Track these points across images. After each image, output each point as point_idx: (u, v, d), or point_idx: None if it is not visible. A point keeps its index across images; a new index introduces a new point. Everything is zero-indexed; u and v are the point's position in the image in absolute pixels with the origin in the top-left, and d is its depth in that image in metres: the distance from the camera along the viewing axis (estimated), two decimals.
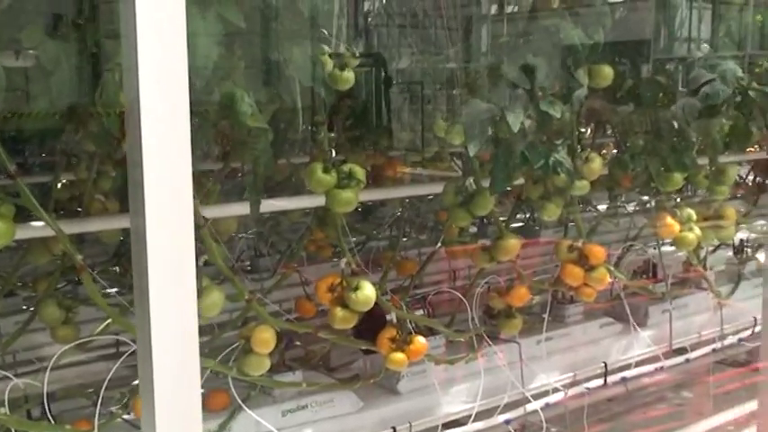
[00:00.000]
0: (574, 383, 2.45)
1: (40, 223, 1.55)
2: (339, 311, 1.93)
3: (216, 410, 1.95)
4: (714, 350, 2.84)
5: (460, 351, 2.28)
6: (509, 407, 2.26)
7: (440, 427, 2.16)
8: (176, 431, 1.15)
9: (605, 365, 2.54)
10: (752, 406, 2.65)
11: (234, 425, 1.93)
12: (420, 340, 2.06)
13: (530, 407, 2.30)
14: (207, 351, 1.89)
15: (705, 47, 2.65)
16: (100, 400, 1.75)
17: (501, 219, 2.31)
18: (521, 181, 2.24)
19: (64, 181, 2.29)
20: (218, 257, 1.74)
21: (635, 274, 2.86)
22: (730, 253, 3.17)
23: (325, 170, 1.84)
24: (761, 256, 3.14)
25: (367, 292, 1.92)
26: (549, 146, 2.09)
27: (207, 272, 1.75)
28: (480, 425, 2.18)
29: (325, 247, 2.66)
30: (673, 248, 2.80)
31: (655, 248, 2.89)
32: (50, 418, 1.75)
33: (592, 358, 2.57)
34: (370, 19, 2.91)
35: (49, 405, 1.74)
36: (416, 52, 2.71)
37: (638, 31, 2.60)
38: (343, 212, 1.93)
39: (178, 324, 1.13)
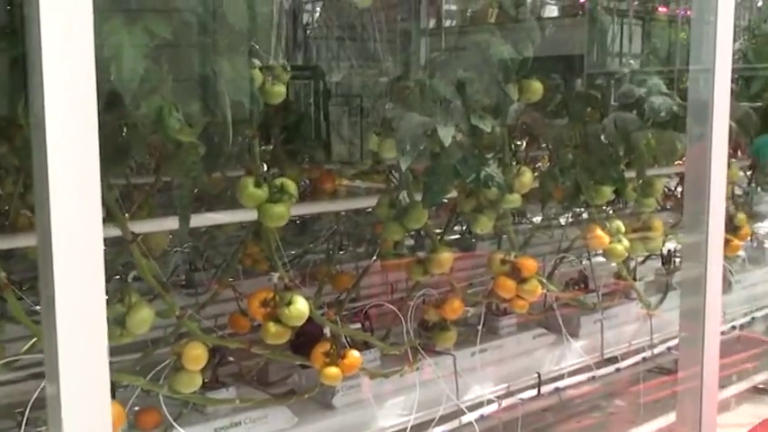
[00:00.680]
0: (508, 394, 2.47)
1: None
2: (272, 326, 1.91)
3: (147, 429, 1.91)
4: (644, 359, 2.90)
5: (397, 364, 2.29)
6: (444, 419, 2.26)
7: None
8: None
9: (539, 376, 2.56)
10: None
11: None
12: (354, 354, 2.06)
13: (465, 419, 2.31)
14: (138, 368, 1.87)
15: (631, 63, 2.72)
16: (25, 421, 1.71)
17: (435, 232, 2.32)
18: (455, 194, 2.27)
19: None
20: (147, 273, 1.72)
21: (568, 286, 2.90)
22: (659, 264, 3.24)
23: (257, 184, 1.83)
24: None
25: (300, 306, 1.90)
26: (481, 160, 2.11)
27: (138, 288, 1.73)
28: None
29: (261, 261, 2.63)
30: (604, 260, 2.86)
31: (587, 260, 2.94)
32: None
33: (525, 369, 2.59)
34: (308, 32, 2.91)
35: None
36: (355, 65, 2.72)
37: (570, 46, 2.65)
38: (275, 226, 1.92)
39: (86, 340, 1.10)
